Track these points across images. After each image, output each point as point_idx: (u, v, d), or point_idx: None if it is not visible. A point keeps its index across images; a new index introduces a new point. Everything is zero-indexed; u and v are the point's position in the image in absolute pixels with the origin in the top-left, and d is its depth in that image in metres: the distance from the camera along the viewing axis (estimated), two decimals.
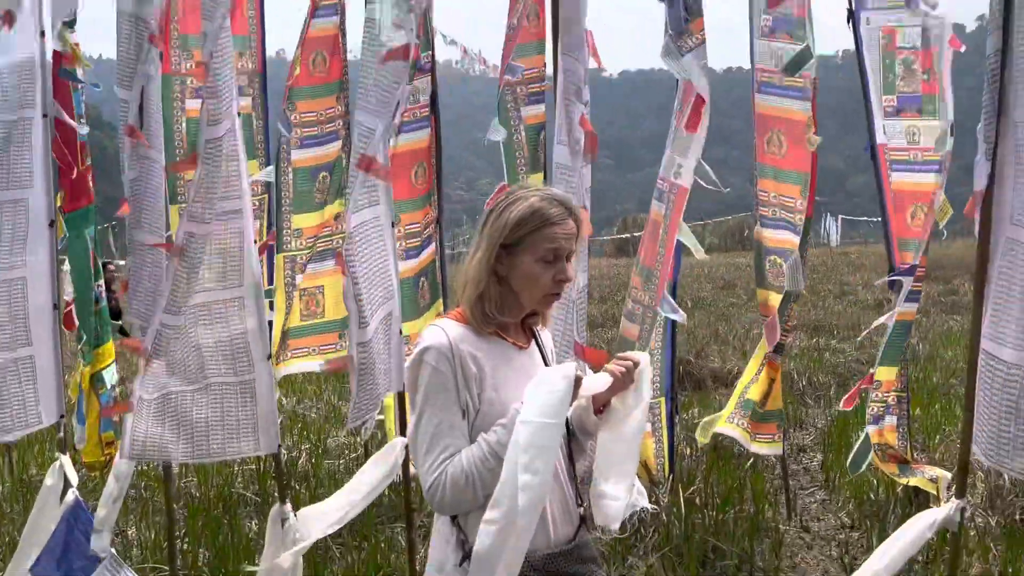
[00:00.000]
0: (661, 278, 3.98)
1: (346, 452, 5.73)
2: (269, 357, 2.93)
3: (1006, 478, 4.60)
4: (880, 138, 4.35)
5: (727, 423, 4.64)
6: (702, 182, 3.76)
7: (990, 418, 2.51)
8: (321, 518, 2.70)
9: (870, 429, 4.49)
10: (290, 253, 5.25)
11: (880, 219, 4.74)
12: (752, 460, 5.44)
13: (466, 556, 1.75)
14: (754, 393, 4.56)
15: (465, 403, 1.76)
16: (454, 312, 1.88)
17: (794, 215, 4.38)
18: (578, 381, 1.74)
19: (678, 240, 4.02)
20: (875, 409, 4.43)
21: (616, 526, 2.03)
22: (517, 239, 1.81)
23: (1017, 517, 4.33)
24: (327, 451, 5.79)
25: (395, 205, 3.71)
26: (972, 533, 4.30)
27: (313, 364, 4.95)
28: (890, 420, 4.30)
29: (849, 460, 4.54)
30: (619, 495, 2.00)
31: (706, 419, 4.74)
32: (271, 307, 4.88)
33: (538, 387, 1.72)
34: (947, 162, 3.82)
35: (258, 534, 4.32)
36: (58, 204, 3.59)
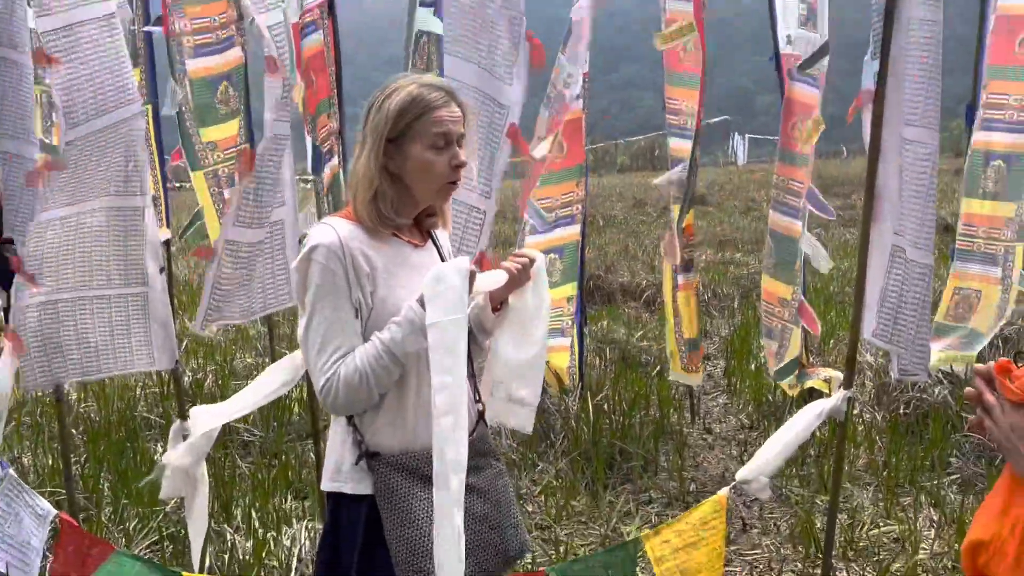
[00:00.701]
0: (526, 185, 3.97)
1: (254, 372, 5.61)
2: (162, 271, 2.81)
3: (892, 376, 4.88)
4: (784, 48, 4.37)
5: (682, 371, 4.70)
6: None
7: (905, 313, 2.61)
8: (214, 414, 2.63)
9: (765, 342, 4.65)
10: (209, 168, 5.00)
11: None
12: (659, 368, 5.62)
13: (363, 455, 1.73)
14: (689, 329, 4.63)
15: (357, 302, 1.71)
16: (344, 211, 1.81)
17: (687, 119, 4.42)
18: (473, 275, 1.71)
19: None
20: (770, 321, 4.58)
21: (530, 429, 2.12)
22: (402, 130, 1.74)
23: (901, 412, 4.61)
24: (234, 372, 5.67)
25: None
26: (860, 428, 4.57)
27: None
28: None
29: (776, 370, 4.68)
30: (531, 400, 2.05)
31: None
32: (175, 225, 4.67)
33: (435, 285, 1.68)
34: (821, 80, 3.90)
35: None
36: None
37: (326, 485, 1.80)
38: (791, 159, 4.20)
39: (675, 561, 2.43)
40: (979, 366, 1.29)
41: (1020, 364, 1.28)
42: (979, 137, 4.26)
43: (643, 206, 15.51)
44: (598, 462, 4.13)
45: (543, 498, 3.91)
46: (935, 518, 3.64)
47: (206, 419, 2.54)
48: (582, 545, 3.50)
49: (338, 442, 1.78)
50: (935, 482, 3.90)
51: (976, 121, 4.28)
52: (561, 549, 3.36)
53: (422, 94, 1.75)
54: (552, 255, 4.66)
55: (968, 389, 1.30)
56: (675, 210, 4.44)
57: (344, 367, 1.68)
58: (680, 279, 4.58)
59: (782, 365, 4.43)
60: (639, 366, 5.73)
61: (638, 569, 2.46)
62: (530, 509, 3.83)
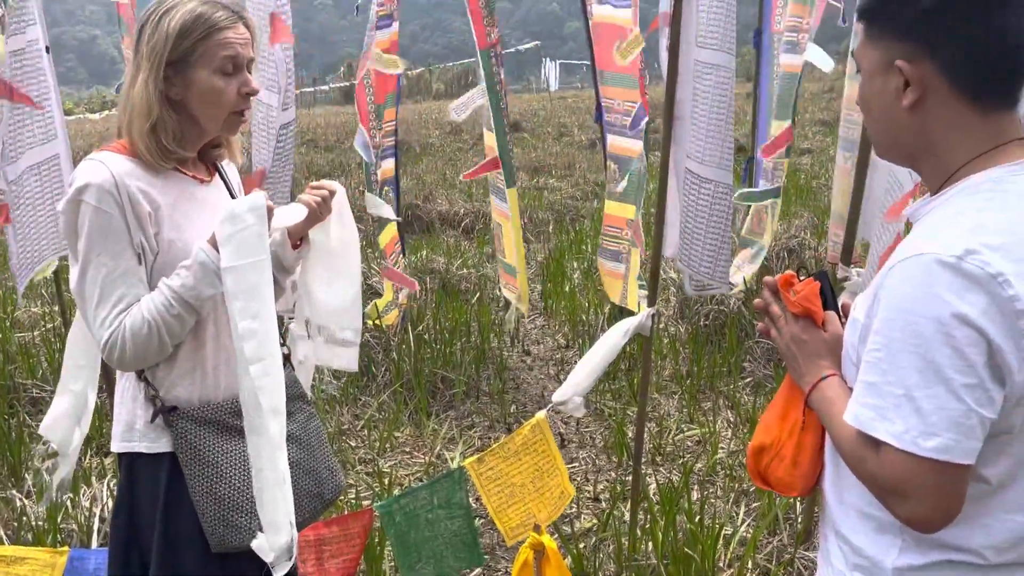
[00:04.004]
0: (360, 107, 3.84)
1: (40, 323, 5.13)
2: None
3: (686, 292, 5.19)
4: None
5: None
6: None
7: (702, 236, 2.74)
8: (63, 419, 2.33)
9: (611, 266, 4.73)
10: None
11: (590, 59, 4.84)
12: (478, 295, 5.68)
13: (158, 412, 1.60)
14: (511, 256, 4.59)
15: (140, 246, 1.54)
16: (115, 144, 1.61)
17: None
18: (270, 211, 1.59)
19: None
20: (618, 246, 4.67)
21: (356, 368, 2.09)
22: (184, 52, 1.56)
23: (702, 323, 4.94)
24: (17, 323, 5.14)
25: None
26: (665, 340, 4.85)
27: None
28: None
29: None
30: (354, 340, 1.99)
31: (507, 316, 4.60)
32: None
33: (228, 225, 1.54)
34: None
35: None
36: None
37: (117, 446, 1.65)
38: (615, 80, 4.24)
39: (499, 483, 2.49)
40: (768, 279, 1.37)
41: (802, 278, 1.36)
42: (786, 60, 4.47)
43: (459, 133, 15.44)
44: (420, 392, 4.14)
45: (366, 432, 3.88)
46: (732, 419, 3.96)
47: (62, 430, 2.26)
48: (407, 475, 3.52)
49: (128, 399, 1.64)
50: (731, 386, 4.23)
51: (779, 44, 4.49)
52: (385, 481, 3.36)
53: (206, 12, 1.57)
54: (387, 188, 4.53)
55: (757, 300, 1.38)
56: (488, 137, 4.38)
57: (130, 319, 1.52)
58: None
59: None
60: (459, 294, 5.76)
61: (464, 495, 2.50)
62: (353, 444, 3.79)
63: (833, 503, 1.25)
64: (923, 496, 1.05)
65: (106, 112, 20.31)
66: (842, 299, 1.77)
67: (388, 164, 4.53)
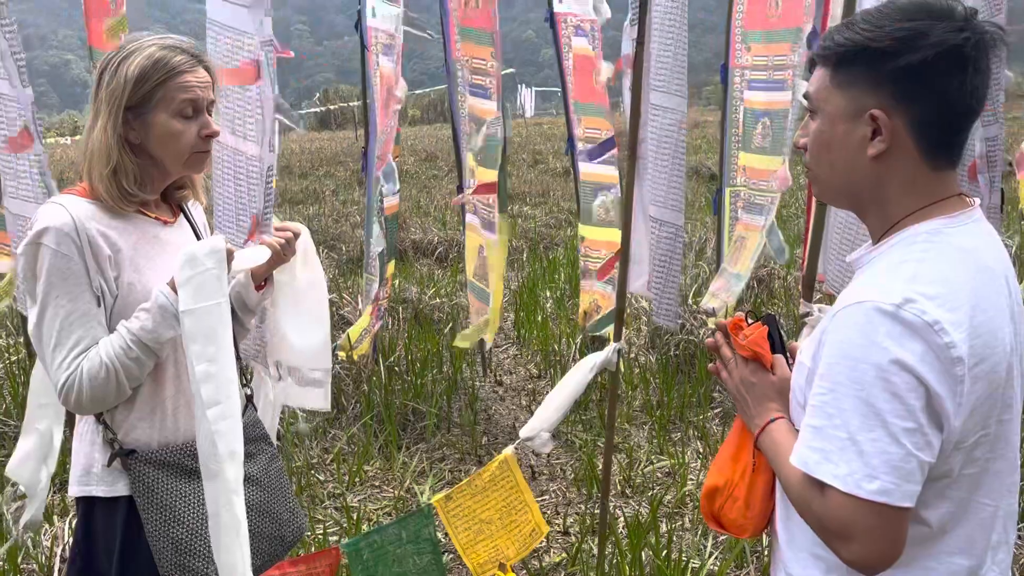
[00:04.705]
0: (385, 140, 3.89)
1: (6, 355, 5.06)
2: None
3: (655, 321, 5.23)
4: (557, 7, 4.46)
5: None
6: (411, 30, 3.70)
7: (656, 273, 2.78)
8: (29, 459, 2.29)
9: (600, 288, 4.75)
10: None
11: (561, 89, 4.92)
12: (451, 325, 5.68)
13: (116, 455, 1.59)
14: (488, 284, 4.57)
15: (99, 289, 1.54)
16: (77, 187, 1.62)
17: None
18: (230, 254, 1.60)
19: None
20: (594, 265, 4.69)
21: (329, 406, 2.12)
22: (143, 97, 1.57)
23: (672, 353, 4.97)
24: None
25: None
26: (636, 370, 4.88)
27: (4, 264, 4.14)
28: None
29: (592, 323, 4.78)
30: (325, 379, 2.00)
31: (464, 332, 4.55)
32: None
33: (188, 269, 1.55)
34: (598, 32, 4.02)
35: None
36: None
37: (75, 490, 1.63)
38: (589, 110, 4.30)
39: (467, 520, 2.48)
40: (720, 320, 1.39)
41: (751, 322, 1.39)
42: (749, 96, 4.54)
43: (435, 159, 15.50)
44: (391, 424, 4.12)
45: (335, 465, 3.85)
46: (701, 450, 3.98)
47: (29, 471, 2.23)
48: (376, 510, 3.49)
49: (86, 442, 1.63)
50: (701, 417, 4.26)
51: (739, 80, 4.57)
52: (354, 516, 3.34)
53: (165, 57, 1.59)
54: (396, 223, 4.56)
55: (708, 340, 1.41)
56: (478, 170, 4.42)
57: (88, 362, 1.52)
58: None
59: (600, 317, 4.58)
60: (431, 324, 5.76)
61: (433, 530, 2.49)
62: (322, 478, 3.76)
63: (784, 544, 1.27)
64: (865, 538, 1.07)
65: (78, 136, 20.20)
66: (804, 334, 1.81)
67: (393, 200, 4.55)
